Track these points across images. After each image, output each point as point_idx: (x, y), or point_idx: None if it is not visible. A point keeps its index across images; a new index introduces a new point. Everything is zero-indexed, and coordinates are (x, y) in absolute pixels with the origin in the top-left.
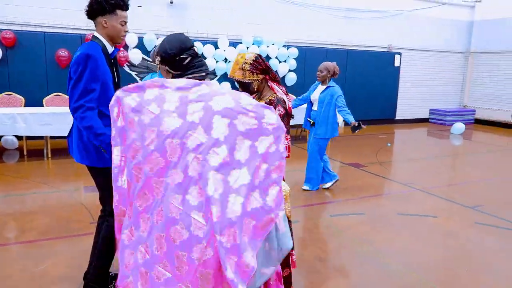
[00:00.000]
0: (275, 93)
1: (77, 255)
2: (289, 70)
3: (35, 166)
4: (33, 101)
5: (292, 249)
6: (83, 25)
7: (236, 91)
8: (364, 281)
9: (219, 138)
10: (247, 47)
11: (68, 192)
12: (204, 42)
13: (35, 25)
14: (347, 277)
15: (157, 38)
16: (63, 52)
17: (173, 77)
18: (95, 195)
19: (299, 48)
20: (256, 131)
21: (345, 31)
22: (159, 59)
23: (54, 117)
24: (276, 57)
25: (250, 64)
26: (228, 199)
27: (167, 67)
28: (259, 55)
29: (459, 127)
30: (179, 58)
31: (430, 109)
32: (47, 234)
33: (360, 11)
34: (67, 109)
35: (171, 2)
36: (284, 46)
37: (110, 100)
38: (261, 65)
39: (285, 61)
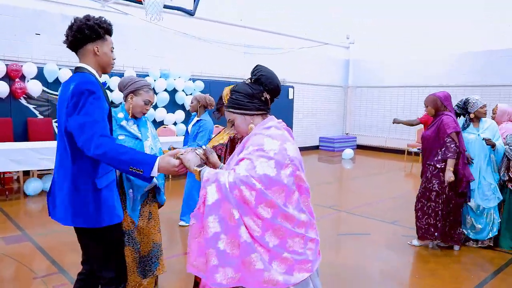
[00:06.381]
0: None
1: None
2: None
3: None
4: None
5: None
6: None
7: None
8: None
9: None
10: (154, 80)
11: None
12: (110, 75)
13: None
14: None
15: (59, 69)
16: None
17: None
18: (17, 246)
19: (204, 81)
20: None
21: (244, 65)
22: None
23: None
24: (183, 90)
25: None
26: None
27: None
28: None
29: (348, 152)
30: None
31: (320, 137)
32: None
33: (256, 47)
34: None
35: None
36: (190, 79)
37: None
38: None
39: (191, 94)
